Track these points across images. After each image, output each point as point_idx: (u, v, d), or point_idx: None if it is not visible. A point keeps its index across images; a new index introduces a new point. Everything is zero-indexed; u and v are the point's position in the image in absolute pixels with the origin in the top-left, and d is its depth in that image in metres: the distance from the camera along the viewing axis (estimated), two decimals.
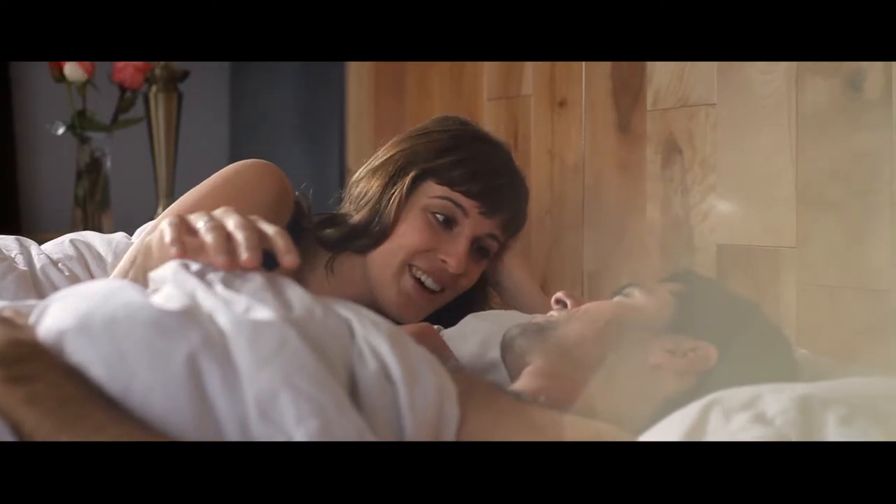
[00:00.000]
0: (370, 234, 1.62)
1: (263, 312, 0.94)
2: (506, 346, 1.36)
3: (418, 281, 1.61)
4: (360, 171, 1.72)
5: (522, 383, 1.27)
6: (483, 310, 1.74)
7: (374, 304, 1.60)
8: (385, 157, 1.68)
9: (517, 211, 1.69)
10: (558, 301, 1.39)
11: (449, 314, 1.68)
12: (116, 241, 1.79)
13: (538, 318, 1.40)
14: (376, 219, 1.62)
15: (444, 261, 1.60)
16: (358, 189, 1.69)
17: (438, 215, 1.61)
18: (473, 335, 1.58)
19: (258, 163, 1.66)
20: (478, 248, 1.64)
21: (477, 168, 1.63)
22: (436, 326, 1.62)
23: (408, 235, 1.61)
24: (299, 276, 1.59)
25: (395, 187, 1.62)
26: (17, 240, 1.79)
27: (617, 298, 1.35)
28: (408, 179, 1.61)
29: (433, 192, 1.62)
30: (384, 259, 1.62)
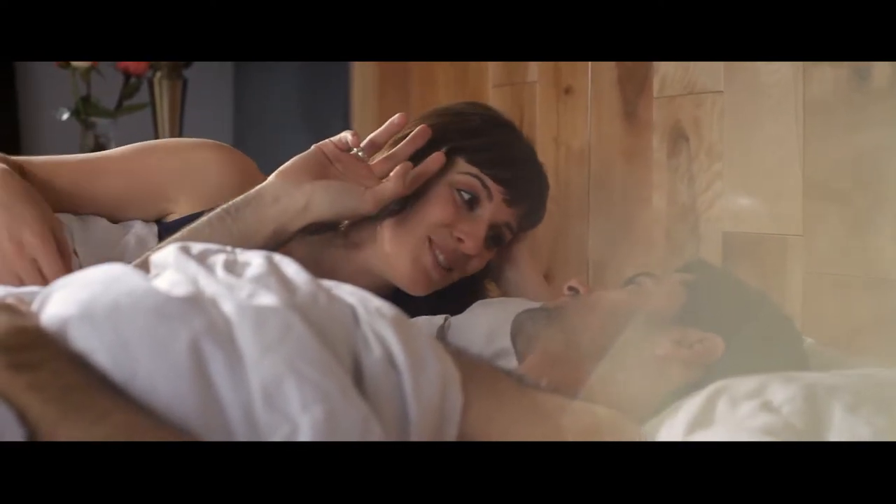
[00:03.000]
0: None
1: (268, 298, 0.94)
2: (516, 330, 1.35)
3: (436, 256, 1.58)
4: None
5: (527, 367, 1.27)
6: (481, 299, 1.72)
7: (380, 273, 1.59)
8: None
9: (538, 205, 1.67)
10: (571, 288, 1.39)
11: (455, 302, 1.66)
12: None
13: (550, 304, 1.40)
14: None
15: (460, 239, 1.57)
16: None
17: (464, 193, 1.57)
18: (481, 324, 1.57)
19: (216, 145, 1.67)
20: (492, 235, 1.62)
21: (508, 155, 1.61)
22: (441, 316, 1.61)
23: (431, 208, 1.57)
24: (312, 246, 1.58)
25: (424, 158, 1.60)
26: None
27: (628, 288, 1.35)
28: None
29: (462, 169, 1.59)
30: (404, 229, 1.58)
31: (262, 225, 1.44)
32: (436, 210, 1.57)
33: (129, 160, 1.63)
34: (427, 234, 1.57)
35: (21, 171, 1.53)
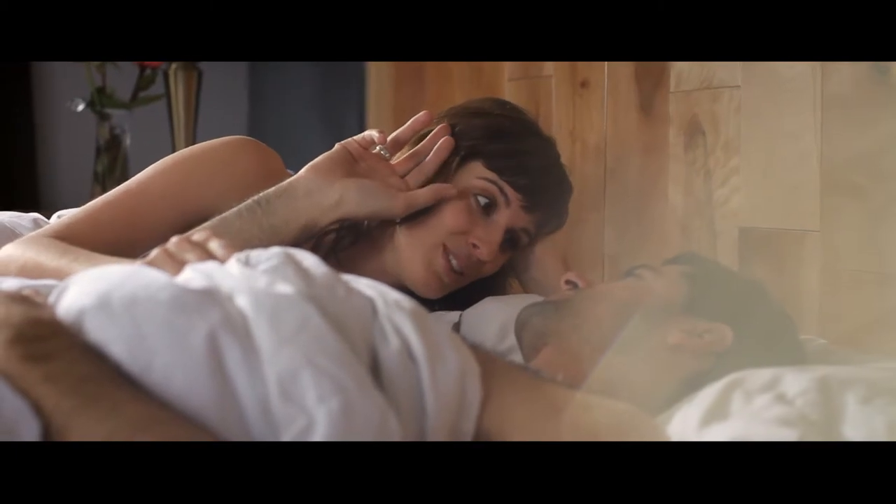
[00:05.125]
0: None
1: (284, 289, 0.94)
2: (522, 325, 1.35)
3: (449, 262, 1.57)
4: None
5: (542, 362, 1.27)
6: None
7: (395, 275, 1.59)
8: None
9: (558, 211, 1.66)
10: (569, 282, 1.39)
11: (464, 296, 1.65)
12: None
13: (553, 297, 1.40)
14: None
15: (475, 245, 1.56)
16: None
17: (481, 198, 1.56)
18: (492, 319, 1.57)
19: (235, 140, 1.64)
20: (508, 239, 1.60)
21: (529, 162, 1.59)
22: (439, 312, 1.60)
23: (448, 215, 1.56)
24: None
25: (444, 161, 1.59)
26: (35, 220, 1.78)
27: (628, 279, 1.35)
28: (458, 157, 1.57)
29: (480, 174, 1.57)
30: (419, 234, 1.57)
31: (294, 218, 1.45)
32: (451, 217, 1.55)
33: (160, 191, 1.57)
34: (442, 240, 1.56)
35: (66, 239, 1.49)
